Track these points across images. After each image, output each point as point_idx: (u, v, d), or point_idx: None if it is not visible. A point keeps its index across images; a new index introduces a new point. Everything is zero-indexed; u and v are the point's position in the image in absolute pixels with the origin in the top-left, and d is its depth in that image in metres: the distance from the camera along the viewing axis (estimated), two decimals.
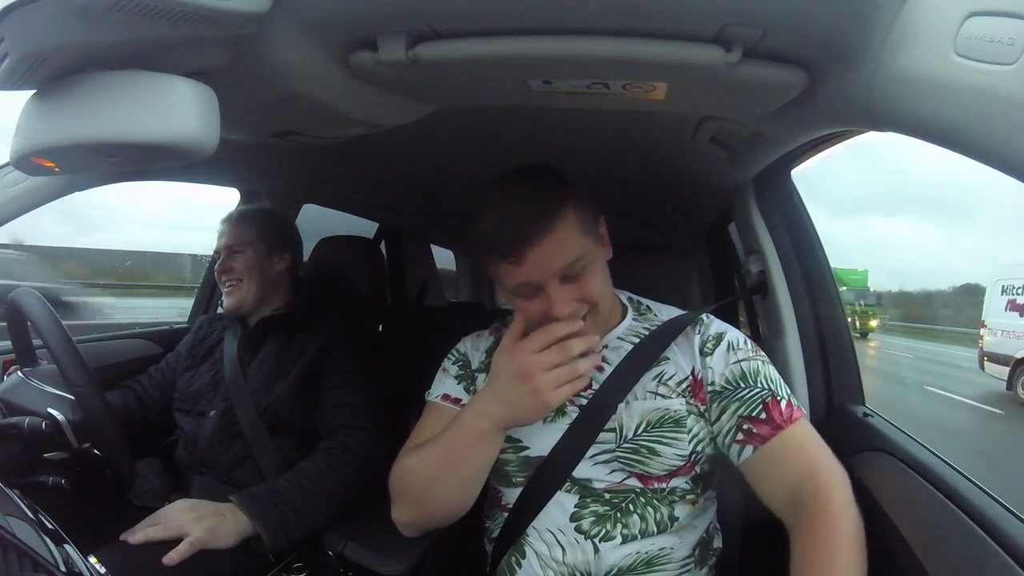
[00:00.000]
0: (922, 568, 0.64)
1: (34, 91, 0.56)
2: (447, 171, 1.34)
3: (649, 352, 0.80)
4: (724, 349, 0.79)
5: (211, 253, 1.31)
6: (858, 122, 0.62)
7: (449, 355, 0.91)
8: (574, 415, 0.79)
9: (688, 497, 0.78)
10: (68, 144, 0.55)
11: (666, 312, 0.87)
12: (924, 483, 0.70)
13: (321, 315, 1.19)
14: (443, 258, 2.78)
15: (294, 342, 1.14)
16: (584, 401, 0.79)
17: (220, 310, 1.25)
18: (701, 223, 1.59)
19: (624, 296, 0.89)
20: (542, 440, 0.79)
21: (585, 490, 0.77)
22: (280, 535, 0.91)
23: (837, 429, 0.91)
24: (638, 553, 0.76)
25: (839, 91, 0.61)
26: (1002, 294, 7.97)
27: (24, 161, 0.59)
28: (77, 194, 1.04)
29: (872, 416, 0.92)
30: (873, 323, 17.00)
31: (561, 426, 0.79)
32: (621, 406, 0.78)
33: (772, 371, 0.78)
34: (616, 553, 0.76)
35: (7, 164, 0.93)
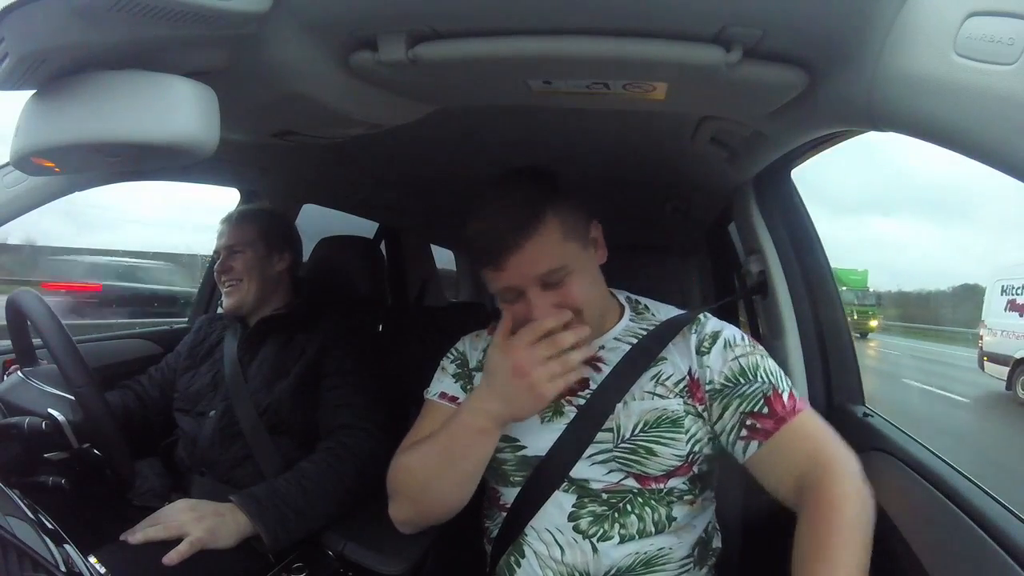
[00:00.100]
0: (922, 568, 0.64)
1: (34, 91, 0.56)
2: (447, 171, 1.34)
3: (647, 352, 0.80)
4: (721, 347, 0.79)
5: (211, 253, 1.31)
6: (858, 122, 0.62)
7: (448, 354, 0.91)
8: (572, 415, 0.79)
9: (686, 497, 0.78)
10: (68, 144, 0.55)
11: (664, 312, 0.87)
12: (924, 483, 0.70)
13: (321, 315, 1.19)
14: (443, 258, 2.78)
15: (294, 342, 1.14)
16: (582, 401, 0.79)
17: (220, 310, 1.25)
18: (701, 223, 1.59)
19: (622, 296, 0.89)
20: (540, 440, 0.79)
21: (583, 490, 0.78)
22: (280, 535, 0.91)
23: (837, 429, 0.91)
24: (636, 553, 0.76)
25: (839, 91, 0.61)
26: (1002, 294, 7.98)
27: (24, 161, 0.59)
28: (77, 194, 1.04)
29: (872, 416, 0.92)
30: (873, 323, 17.00)
31: (559, 426, 0.79)
32: (619, 406, 0.77)
33: (771, 364, 0.78)
34: (614, 553, 0.76)
35: (7, 164, 0.93)
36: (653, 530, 0.76)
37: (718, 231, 1.58)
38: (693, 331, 0.81)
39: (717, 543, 0.86)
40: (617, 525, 0.76)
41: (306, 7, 0.59)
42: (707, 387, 0.77)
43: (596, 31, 0.60)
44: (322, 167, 1.34)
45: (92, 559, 0.76)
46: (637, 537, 0.76)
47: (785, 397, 0.74)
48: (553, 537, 0.77)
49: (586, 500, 0.77)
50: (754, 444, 0.73)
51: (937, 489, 0.68)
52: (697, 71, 0.64)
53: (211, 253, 1.28)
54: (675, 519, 0.77)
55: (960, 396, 7.84)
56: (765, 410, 0.73)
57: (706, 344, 0.79)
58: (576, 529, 0.77)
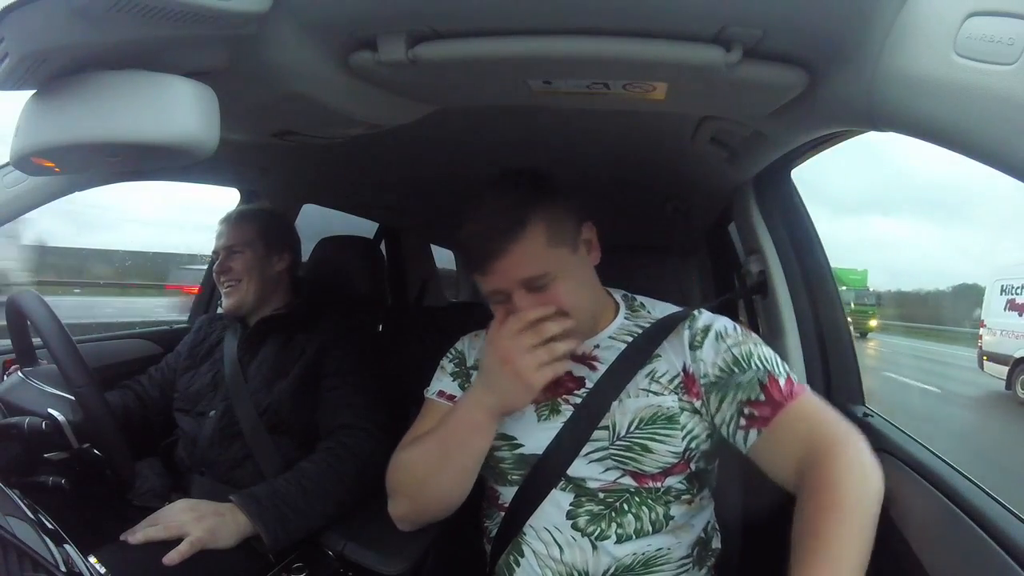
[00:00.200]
0: (922, 568, 0.64)
1: (34, 91, 0.56)
2: (447, 171, 1.34)
3: (642, 350, 0.80)
4: (713, 339, 0.78)
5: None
6: (858, 122, 0.62)
7: (447, 354, 0.92)
8: (569, 413, 0.79)
9: (684, 497, 0.78)
10: (68, 144, 0.55)
11: (660, 309, 0.87)
12: (924, 483, 0.70)
13: (321, 315, 1.19)
14: (443, 258, 2.77)
15: (294, 342, 1.14)
16: (579, 400, 0.80)
17: (220, 310, 1.25)
18: (701, 223, 1.59)
19: (618, 295, 0.89)
20: (537, 438, 0.80)
21: (580, 489, 0.78)
22: (280, 535, 0.91)
23: None
24: (635, 553, 0.76)
25: (839, 91, 0.61)
26: (1001, 294, 8.00)
27: (24, 161, 0.59)
28: (77, 194, 1.04)
29: (872, 416, 0.92)
30: (873, 323, 17.00)
31: (556, 424, 0.79)
32: (614, 404, 0.78)
33: (766, 351, 0.77)
34: (613, 552, 0.76)
35: (7, 164, 0.93)
36: (651, 529, 0.76)
37: (718, 231, 1.58)
38: (686, 327, 0.81)
39: (717, 544, 0.86)
40: (614, 524, 0.76)
41: (306, 7, 0.59)
42: (702, 380, 0.77)
43: (596, 31, 0.60)
44: (322, 167, 1.34)
45: (92, 559, 0.76)
46: (635, 537, 0.76)
47: (782, 382, 0.72)
48: (552, 536, 0.78)
49: (583, 499, 0.77)
50: (753, 432, 0.71)
51: (937, 489, 0.68)
52: (697, 71, 0.64)
53: (211, 253, 1.28)
54: (673, 518, 0.77)
55: (933, 387, 8.23)
56: (762, 397, 0.71)
57: (698, 338, 0.79)
58: (575, 527, 0.77)
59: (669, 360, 0.80)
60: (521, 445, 0.81)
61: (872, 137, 0.70)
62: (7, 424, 0.87)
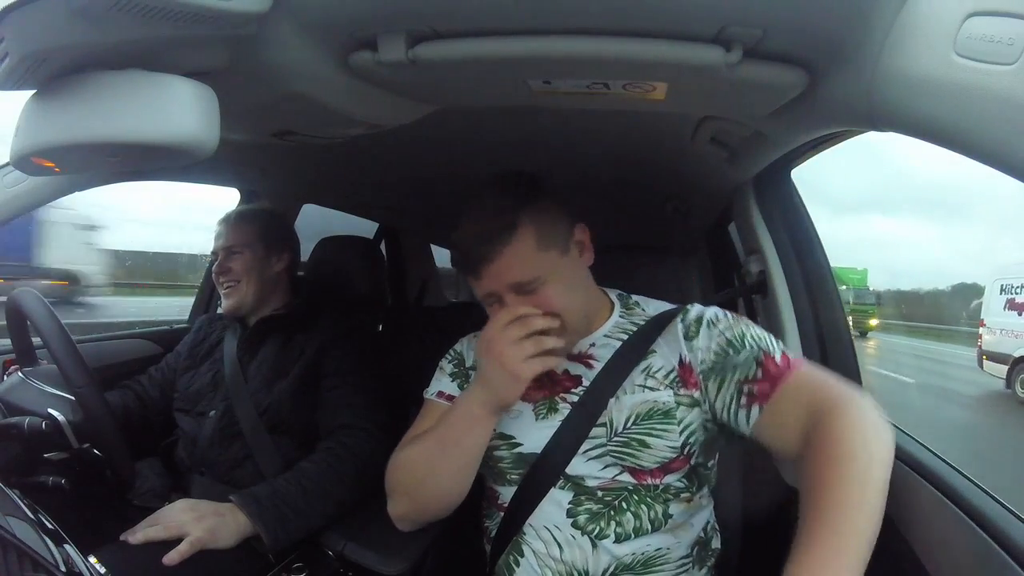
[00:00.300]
0: (923, 568, 0.64)
1: (34, 91, 0.56)
2: (447, 171, 1.34)
3: (637, 347, 0.81)
4: (706, 327, 0.79)
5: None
6: (858, 122, 0.62)
7: (446, 355, 0.93)
8: (566, 412, 0.80)
9: (683, 495, 0.79)
10: (68, 144, 0.55)
11: (654, 307, 0.88)
12: (924, 483, 0.70)
13: (321, 315, 1.19)
14: (443, 258, 2.78)
15: (294, 342, 1.14)
16: (576, 398, 0.80)
17: (220, 310, 1.25)
18: (701, 223, 1.59)
19: (614, 294, 0.90)
20: (535, 437, 0.80)
21: (578, 487, 0.78)
22: (280, 535, 0.91)
23: None
24: (634, 553, 0.76)
25: (839, 91, 0.61)
26: (1001, 293, 8.03)
27: (24, 161, 0.59)
28: (77, 194, 1.04)
29: None
30: (872, 322, 17.01)
31: (554, 423, 0.80)
32: (611, 401, 0.78)
33: (757, 331, 0.77)
34: (613, 551, 0.76)
35: (7, 164, 0.93)
36: (649, 528, 0.76)
37: (718, 231, 1.58)
38: (679, 321, 0.82)
39: (716, 544, 0.86)
40: (613, 523, 0.76)
41: (306, 7, 0.59)
42: (700, 368, 0.77)
43: (596, 31, 0.60)
44: (322, 167, 1.34)
45: (92, 559, 0.76)
46: (633, 536, 0.76)
47: (777, 357, 0.72)
48: (552, 535, 0.78)
49: (582, 498, 0.78)
50: (755, 409, 0.71)
51: (937, 489, 0.68)
52: (697, 71, 0.64)
53: (209, 254, 1.28)
54: (671, 517, 0.77)
55: (906, 378, 8.74)
56: (759, 374, 0.71)
57: (692, 329, 0.80)
58: (575, 526, 0.77)
59: (664, 356, 0.80)
60: (520, 444, 0.81)
61: (872, 137, 0.70)
62: (7, 424, 0.87)
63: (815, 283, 1.01)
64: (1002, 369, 7.56)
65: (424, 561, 0.91)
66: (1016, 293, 7.81)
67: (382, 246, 2.21)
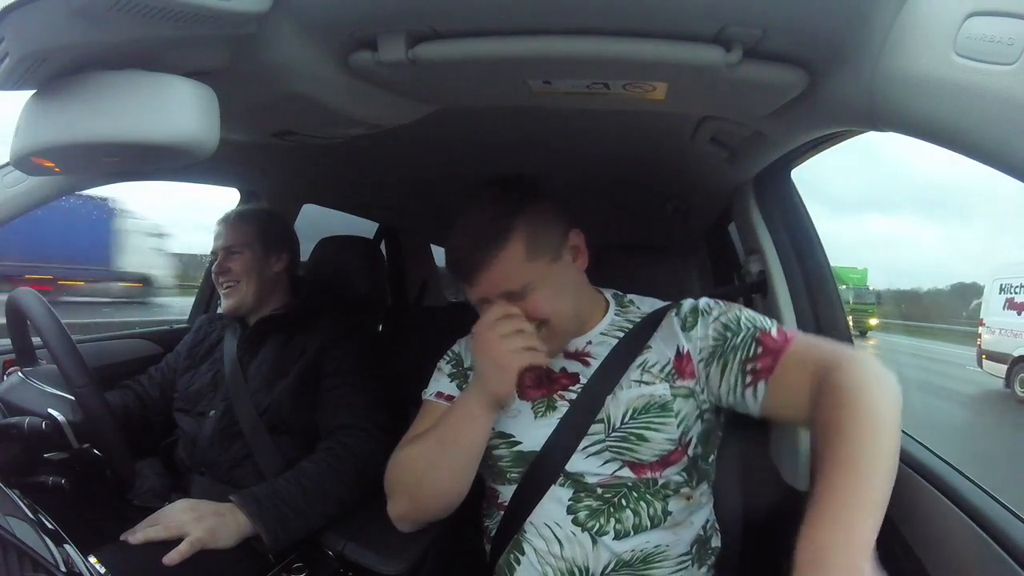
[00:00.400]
0: (923, 568, 0.64)
1: (34, 91, 0.56)
2: (447, 171, 1.34)
3: (633, 343, 0.83)
4: (701, 316, 0.82)
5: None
6: (858, 122, 0.62)
7: (444, 355, 0.93)
8: (564, 409, 0.81)
9: (682, 491, 0.79)
10: (68, 144, 0.55)
11: (648, 304, 0.90)
12: (924, 483, 0.70)
13: (321, 315, 1.19)
14: (443, 258, 2.77)
15: (294, 342, 1.14)
16: (574, 396, 0.81)
17: (220, 310, 1.24)
18: (701, 223, 1.59)
19: (609, 293, 0.92)
20: (534, 435, 0.81)
21: (578, 484, 0.78)
22: (280, 535, 0.91)
23: None
24: (633, 549, 0.77)
25: (839, 91, 0.61)
26: (1000, 293, 8.05)
27: (24, 161, 0.59)
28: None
29: None
30: (872, 321, 17.01)
31: (552, 421, 0.81)
32: (608, 397, 0.79)
33: (749, 312, 0.80)
34: (613, 548, 0.76)
35: (7, 164, 0.93)
36: (649, 525, 0.77)
37: (718, 231, 1.58)
38: (674, 315, 0.84)
39: (716, 543, 0.86)
40: (613, 520, 0.77)
41: (306, 7, 0.59)
42: (699, 356, 0.79)
43: (596, 31, 0.60)
44: (322, 167, 1.34)
45: (92, 559, 0.76)
46: (633, 533, 0.77)
47: (774, 333, 0.75)
48: (552, 532, 0.78)
49: (582, 495, 0.78)
50: (762, 385, 0.72)
51: (937, 489, 0.68)
52: (697, 71, 0.64)
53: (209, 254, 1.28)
54: (671, 514, 0.78)
55: (907, 376, 8.52)
56: (760, 350, 0.74)
57: (689, 320, 0.82)
58: (575, 522, 0.77)
59: (659, 350, 0.82)
60: (519, 442, 0.81)
61: (872, 136, 0.70)
62: (7, 424, 0.87)
63: (815, 283, 1.01)
64: (1001, 368, 7.60)
65: (424, 561, 0.91)
66: (1015, 293, 7.84)
67: (382, 246, 2.21)
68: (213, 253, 1.21)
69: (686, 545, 0.79)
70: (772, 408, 0.73)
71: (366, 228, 2.11)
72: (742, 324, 0.78)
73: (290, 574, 0.94)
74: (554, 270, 0.79)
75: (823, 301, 1.00)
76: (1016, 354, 7.41)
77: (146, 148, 0.55)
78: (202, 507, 0.92)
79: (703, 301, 0.84)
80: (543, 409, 0.82)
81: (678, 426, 0.77)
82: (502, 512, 0.83)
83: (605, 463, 0.78)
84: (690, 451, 0.79)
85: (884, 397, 0.60)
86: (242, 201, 1.59)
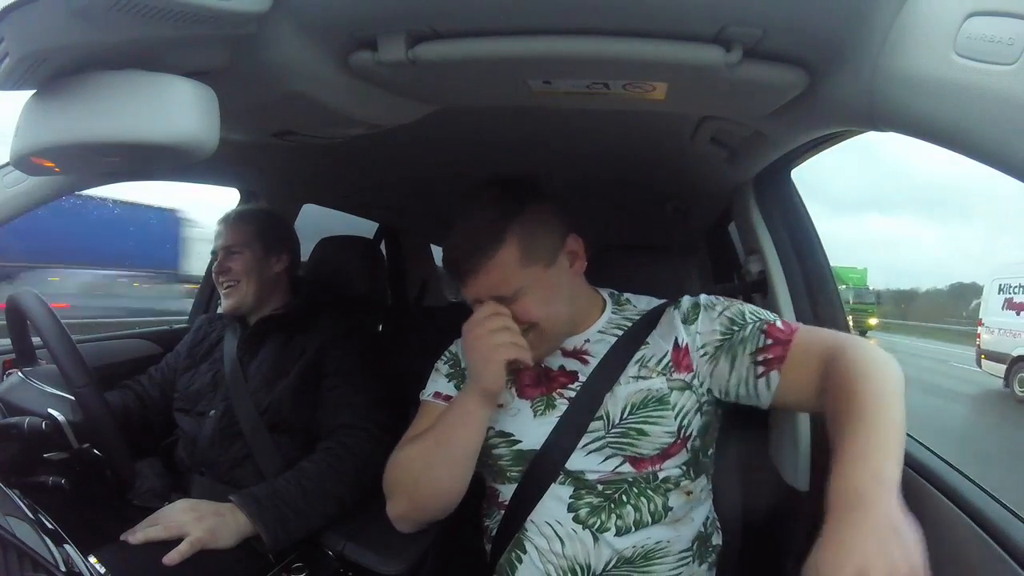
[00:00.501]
0: None
1: (34, 91, 0.56)
2: (447, 171, 1.34)
3: (632, 340, 0.84)
4: (704, 311, 0.83)
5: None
6: (858, 122, 0.62)
7: (442, 356, 0.94)
8: (564, 407, 0.81)
9: (682, 484, 0.80)
10: (68, 144, 0.55)
11: (644, 302, 0.91)
12: (923, 482, 0.70)
13: (321, 315, 1.19)
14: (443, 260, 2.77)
15: (294, 342, 1.14)
16: (572, 393, 0.82)
17: (220, 310, 1.24)
18: (701, 223, 1.59)
19: (606, 292, 0.93)
20: (534, 433, 0.81)
21: (578, 482, 0.79)
22: (280, 535, 0.91)
23: None
24: (635, 546, 0.77)
25: (839, 91, 0.61)
26: (999, 293, 8.07)
27: (24, 161, 0.59)
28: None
29: None
30: (872, 321, 17.02)
31: (552, 419, 0.81)
32: (607, 395, 0.80)
33: (751, 306, 0.83)
34: (614, 544, 0.77)
35: (7, 164, 0.92)
36: (650, 520, 0.77)
37: (718, 231, 1.58)
38: (675, 309, 0.85)
39: (717, 540, 0.86)
40: (614, 516, 0.77)
41: (306, 7, 0.59)
42: (701, 349, 0.80)
43: (596, 31, 0.60)
44: (322, 167, 1.34)
45: (92, 559, 0.76)
46: (634, 529, 0.77)
47: (779, 324, 0.79)
48: (553, 530, 0.78)
49: (583, 492, 0.78)
50: (774, 374, 0.75)
51: (937, 489, 0.68)
52: (697, 71, 0.64)
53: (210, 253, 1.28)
54: (671, 509, 0.78)
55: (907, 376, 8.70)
56: (769, 341, 0.76)
57: (691, 314, 0.83)
58: (576, 520, 0.78)
59: (657, 344, 0.83)
60: (519, 441, 0.82)
61: (872, 136, 0.70)
62: (7, 424, 0.87)
63: (815, 283, 1.01)
64: (1000, 368, 7.62)
65: (424, 561, 0.91)
66: (1014, 293, 7.85)
67: (382, 246, 2.21)
68: (214, 253, 1.21)
69: (687, 541, 0.80)
70: (783, 396, 0.76)
71: (366, 228, 2.11)
72: (747, 317, 0.80)
73: (290, 574, 0.94)
74: (548, 275, 0.80)
75: (823, 301, 1.00)
76: (1015, 354, 7.44)
77: (146, 148, 0.55)
78: (202, 507, 0.92)
79: (704, 297, 0.86)
80: (542, 408, 0.82)
81: (676, 419, 0.78)
82: (502, 511, 0.83)
83: (606, 459, 0.78)
84: (689, 444, 0.80)
85: (889, 369, 0.65)
86: (242, 201, 1.58)
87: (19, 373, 0.97)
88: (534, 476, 0.80)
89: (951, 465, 0.73)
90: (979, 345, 8.22)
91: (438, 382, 0.90)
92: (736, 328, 0.79)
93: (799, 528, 0.86)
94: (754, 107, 0.75)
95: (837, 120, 0.68)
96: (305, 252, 1.38)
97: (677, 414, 0.78)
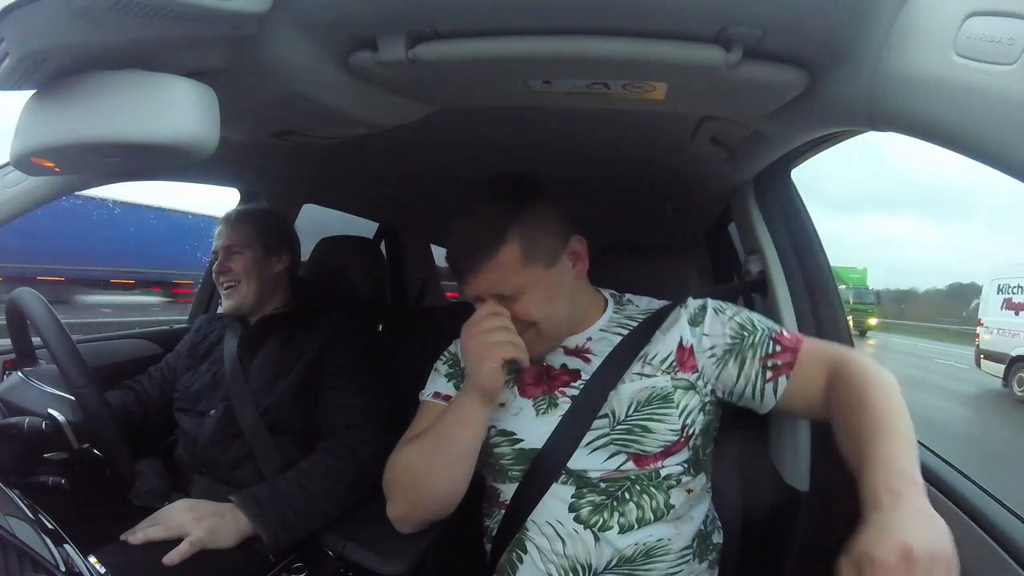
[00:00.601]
0: None
1: (34, 91, 0.56)
2: (447, 171, 1.34)
3: (637, 339, 0.84)
4: (712, 314, 0.84)
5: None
6: (858, 122, 0.62)
7: (441, 356, 0.94)
8: (566, 406, 0.81)
9: (683, 481, 0.80)
10: (68, 144, 0.55)
11: (645, 302, 0.92)
12: (924, 483, 0.70)
13: (321, 315, 1.19)
14: (443, 257, 2.77)
15: (294, 342, 1.14)
16: (575, 392, 0.82)
17: (220, 310, 1.24)
18: (701, 223, 1.59)
19: (607, 292, 0.93)
20: (536, 432, 0.81)
21: (581, 480, 0.79)
22: (280, 535, 0.91)
23: None
24: (636, 544, 0.77)
25: (839, 91, 0.61)
26: (998, 293, 8.08)
27: (24, 161, 0.59)
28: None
29: None
30: (872, 321, 17.02)
31: (554, 418, 0.81)
32: (611, 393, 0.80)
33: (757, 314, 0.86)
34: (615, 543, 0.77)
35: (7, 164, 0.92)
36: (652, 517, 0.78)
37: (718, 231, 1.58)
38: (682, 309, 0.86)
39: (718, 539, 0.86)
40: (617, 514, 0.77)
41: (306, 7, 0.59)
42: (709, 352, 0.81)
43: (596, 31, 0.60)
44: (322, 167, 1.34)
45: (92, 559, 0.76)
46: (637, 526, 0.77)
47: (786, 333, 0.83)
48: (554, 530, 0.78)
49: (584, 490, 0.78)
50: (783, 379, 0.79)
51: (936, 489, 0.68)
52: (697, 71, 0.64)
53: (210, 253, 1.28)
54: (673, 507, 0.79)
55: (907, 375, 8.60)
56: (778, 348, 0.80)
57: (698, 316, 0.84)
58: (577, 519, 0.78)
59: (660, 343, 0.83)
60: (520, 440, 0.82)
61: (872, 136, 0.70)
62: (7, 424, 0.87)
63: (815, 282, 1.02)
64: (999, 368, 7.63)
65: (424, 561, 0.91)
66: (1013, 293, 7.87)
67: (382, 246, 2.21)
68: (214, 252, 1.21)
69: (687, 539, 0.80)
70: (789, 401, 0.79)
71: (366, 228, 2.11)
72: (757, 324, 0.83)
73: (290, 574, 0.94)
74: (549, 275, 0.80)
75: (823, 301, 1.00)
76: (1014, 354, 7.45)
77: (146, 148, 0.55)
78: (202, 507, 0.92)
79: (712, 301, 0.87)
80: (544, 406, 0.82)
81: (680, 417, 0.78)
82: (503, 511, 0.83)
83: (610, 457, 0.79)
84: (691, 442, 0.80)
85: (891, 381, 0.70)
86: (242, 201, 1.58)
87: (19, 373, 0.97)
88: (536, 475, 0.80)
89: (951, 465, 0.73)
90: (978, 345, 8.24)
91: (437, 382, 0.90)
92: (746, 333, 0.81)
93: (799, 528, 0.86)
94: (754, 107, 0.75)
95: (837, 120, 0.68)
96: (305, 252, 1.38)
97: (681, 412, 0.79)
